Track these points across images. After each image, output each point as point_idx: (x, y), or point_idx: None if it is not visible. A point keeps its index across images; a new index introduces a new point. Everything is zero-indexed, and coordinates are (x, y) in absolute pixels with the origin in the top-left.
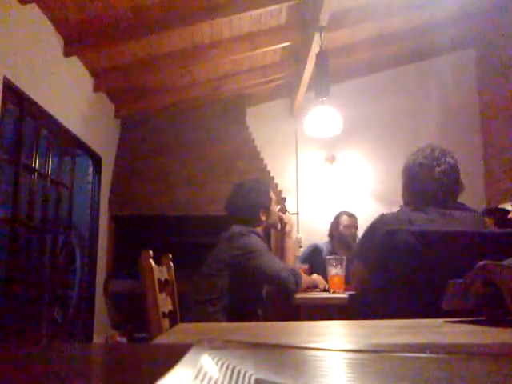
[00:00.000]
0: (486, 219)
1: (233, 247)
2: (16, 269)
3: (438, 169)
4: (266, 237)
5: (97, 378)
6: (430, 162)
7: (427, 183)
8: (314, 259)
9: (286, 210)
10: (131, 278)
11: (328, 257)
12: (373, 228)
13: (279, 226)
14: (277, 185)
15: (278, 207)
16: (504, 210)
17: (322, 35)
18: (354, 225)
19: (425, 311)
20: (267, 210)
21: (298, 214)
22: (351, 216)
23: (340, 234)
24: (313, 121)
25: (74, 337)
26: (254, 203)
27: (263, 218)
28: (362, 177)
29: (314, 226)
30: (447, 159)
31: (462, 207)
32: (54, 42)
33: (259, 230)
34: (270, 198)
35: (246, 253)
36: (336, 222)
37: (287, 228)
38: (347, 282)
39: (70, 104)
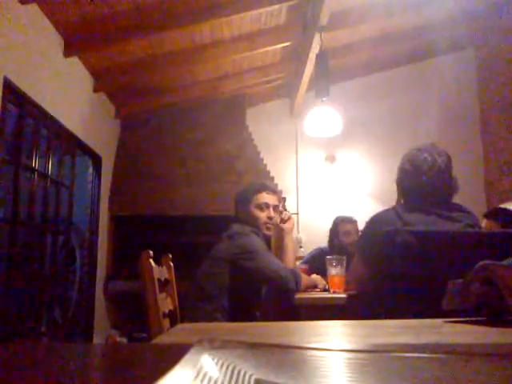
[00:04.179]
0: (491, 222)
1: (232, 246)
2: (16, 269)
3: (425, 172)
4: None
5: (97, 378)
6: (415, 167)
7: (416, 187)
8: (319, 262)
9: (285, 210)
10: (131, 278)
11: (328, 257)
12: (369, 229)
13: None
14: (277, 185)
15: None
16: (506, 209)
17: (322, 35)
18: (354, 230)
19: (425, 311)
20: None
21: (297, 213)
22: (350, 221)
23: (340, 242)
24: (313, 121)
25: (74, 337)
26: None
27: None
28: (361, 177)
29: (313, 225)
30: (436, 160)
31: (458, 208)
32: (54, 42)
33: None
34: (246, 198)
35: (245, 252)
36: (335, 230)
37: (288, 225)
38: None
39: (70, 104)
